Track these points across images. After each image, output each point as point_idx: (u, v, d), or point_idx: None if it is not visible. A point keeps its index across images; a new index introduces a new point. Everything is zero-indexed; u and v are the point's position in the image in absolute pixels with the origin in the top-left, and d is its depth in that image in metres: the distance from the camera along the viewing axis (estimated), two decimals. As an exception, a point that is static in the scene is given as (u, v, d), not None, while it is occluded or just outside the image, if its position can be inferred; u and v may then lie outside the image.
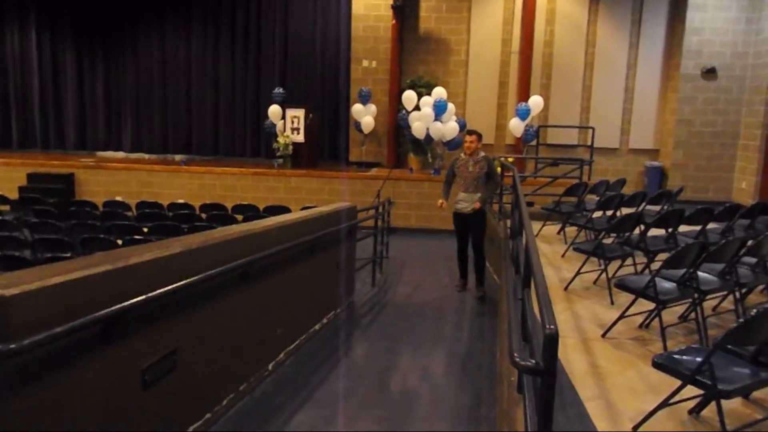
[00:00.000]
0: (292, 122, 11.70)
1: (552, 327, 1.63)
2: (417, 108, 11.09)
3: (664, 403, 2.91)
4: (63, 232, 6.83)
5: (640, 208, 6.94)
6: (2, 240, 6.29)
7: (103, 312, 2.37)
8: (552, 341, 1.61)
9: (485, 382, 4.43)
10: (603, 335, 4.33)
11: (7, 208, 9.03)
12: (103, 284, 2.47)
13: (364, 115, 11.85)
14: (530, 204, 8.70)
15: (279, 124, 11.81)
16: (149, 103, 13.89)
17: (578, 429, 3.03)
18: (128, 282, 2.61)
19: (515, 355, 1.82)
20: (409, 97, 11.20)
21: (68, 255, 5.58)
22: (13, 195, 10.26)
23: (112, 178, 11.64)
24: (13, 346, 1.96)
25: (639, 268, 5.68)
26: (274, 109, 11.80)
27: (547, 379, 1.64)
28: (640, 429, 2.96)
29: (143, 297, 2.59)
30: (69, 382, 2.33)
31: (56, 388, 2.27)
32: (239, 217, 7.91)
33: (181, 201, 9.79)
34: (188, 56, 13.69)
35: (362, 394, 4.27)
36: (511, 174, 6.96)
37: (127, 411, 2.71)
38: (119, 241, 6.07)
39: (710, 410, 3.05)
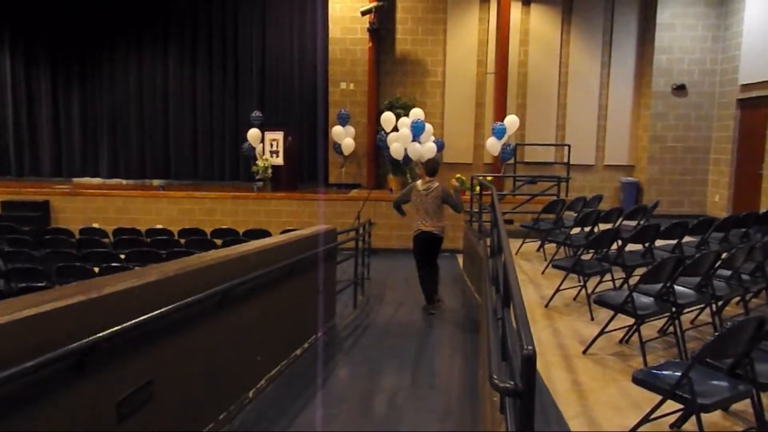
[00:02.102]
0: (271, 145, 11.70)
1: (530, 347, 1.63)
2: (395, 129, 11.16)
3: (646, 419, 2.92)
4: (38, 261, 6.70)
5: (617, 224, 7.03)
6: (-26, 271, 6.15)
7: (76, 344, 2.32)
8: (530, 362, 1.61)
9: (468, 403, 4.41)
10: (584, 352, 4.35)
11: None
12: (77, 315, 2.42)
13: (345, 137, 11.89)
14: (510, 221, 8.77)
15: (258, 148, 11.79)
16: (126, 128, 13.79)
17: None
18: (102, 312, 2.56)
19: (494, 377, 1.82)
20: (387, 118, 11.28)
21: (43, 284, 5.47)
22: (-14, 224, 10.05)
23: (88, 204, 11.48)
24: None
25: (618, 283, 5.74)
26: (253, 133, 11.79)
27: (526, 400, 1.64)
28: (623, 446, 2.96)
29: (118, 328, 2.55)
30: (42, 415, 2.27)
31: (29, 423, 2.20)
32: (219, 242, 7.85)
33: (159, 227, 9.68)
34: (165, 80, 13.66)
35: (344, 418, 4.22)
36: (489, 193, 7.01)
37: (102, 445, 2.64)
38: (96, 269, 5.97)
39: (691, 424, 3.07)
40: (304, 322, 5.50)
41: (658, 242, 5.89)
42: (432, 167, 7.02)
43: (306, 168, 13.32)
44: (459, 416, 4.22)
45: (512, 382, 1.73)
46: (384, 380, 5.04)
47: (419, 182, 7.03)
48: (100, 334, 2.45)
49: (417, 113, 11.10)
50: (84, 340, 2.36)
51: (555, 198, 8.84)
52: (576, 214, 7.84)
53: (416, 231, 6.92)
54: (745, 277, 4.74)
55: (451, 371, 5.17)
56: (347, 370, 5.26)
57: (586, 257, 5.83)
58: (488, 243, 6.29)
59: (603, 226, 6.75)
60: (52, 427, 2.34)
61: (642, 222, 7.23)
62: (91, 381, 2.52)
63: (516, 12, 12.13)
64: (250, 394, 4.24)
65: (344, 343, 6.00)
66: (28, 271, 5.96)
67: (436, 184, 6.93)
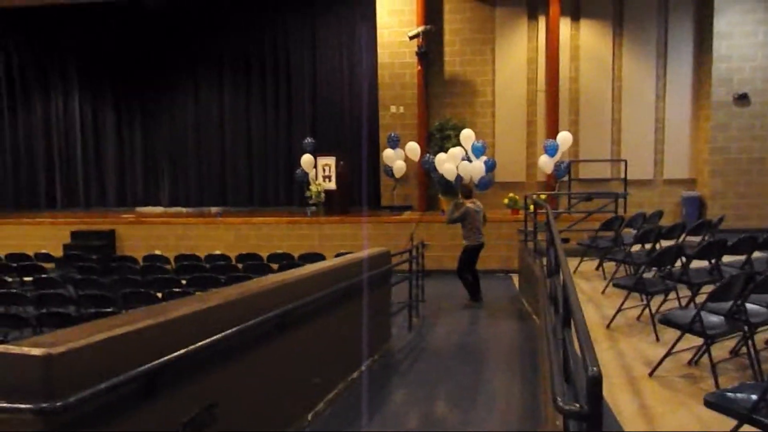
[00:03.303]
0: (324, 170, 11.91)
1: (595, 369, 1.59)
2: (440, 151, 11.23)
3: (720, 445, 2.77)
4: (105, 288, 7.00)
5: (680, 240, 6.77)
6: (48, 297, 6.49)
7: (145, 367, 2.41)
8: (595, 383, 1.57)
9: (529, 427, 4.30)
10: (650, 374, 4.18)
11: (52, 266, 9.33)
12: (145, 339, 2.51)
13: (396, 159, 11.98)
14: (566, 240, 8.58)
15: (311, 173, 12.02)
16: (185, 158, 14.37)
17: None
18: (169, 336, 2.65)
19: (558, 399, 1.77)
20: (412, 148, 11.50)
21: (110, 310, 5.71)
22: (58, 253, 10.61)
23: (150, 232, 11.95)
24: (59, 403, 2.00)
25: (683, 302, 5.51)
26: (306, 158, 12.04)
27: (592, 422, 1.60)
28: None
29: (183, 350, 2.63)
30: (114, 436, 2.36)
31: (100, 445, 2.29)
32: (275, 266, 8.00)
33: (217, 252, 9.97)
34: (221, 111, 14.19)
35: (403, 442, 4.18)
36: (544, 211, 6.91)
37: (169, 466, 2.71)
38: (159, 295, 6.19)
39: (771, 451, 2.89)
40: (360, 345, 5.52)
41: (726, 258, 5.64)
42: (470, 190, 8.69)
43: (358, 191, 13.47)
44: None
45: (577, 405, 1.68)
46: (441, 404, 4.98)
47: (470, 204, 8.31)
48: (167, 357, 2.54)
49: (467, 135, 11.09)
50: (152, 364, 2.45)
51: (613, 215, 8.60)
52: (635, 231, 7.60)
53: (476, 243, 8.34)
54: (823, 293, 4.46)
55: (509, 395, 5.05)
56: (403, 393, 5.22)
57: (648, 275, 5.63)
58: (545, 262, 6.17)
59: (665, 243, 6.51)
60: (123, 448, 2.42)
61: (707, 237, 6.94)
62: (157, 403, 2.60)
63: (565, 28, 12.02)
64: (309, 416, 4.26)
65: (400, 366, 5.97)
66: (97, 298, 6.24)
67: (479, 202, 8.51)
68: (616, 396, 3.85)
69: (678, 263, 5.47)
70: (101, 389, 2.17)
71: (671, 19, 11.88)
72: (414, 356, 6.25)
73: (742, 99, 11.23)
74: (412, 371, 5.80)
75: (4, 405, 2.03)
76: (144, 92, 14.50)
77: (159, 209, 14.24)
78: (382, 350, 6.04)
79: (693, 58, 11.85)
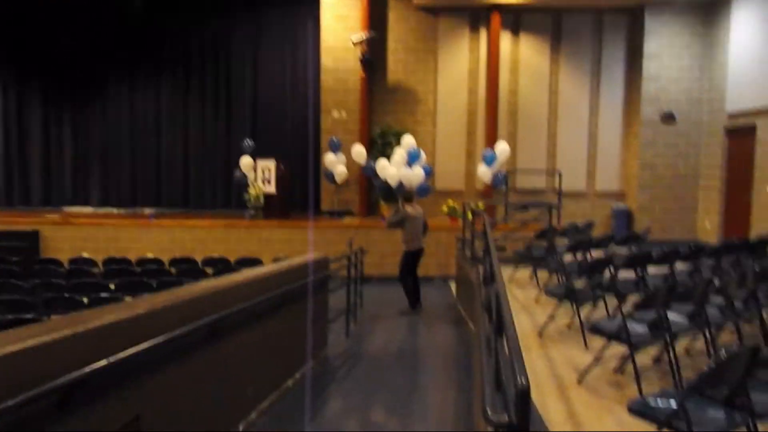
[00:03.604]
0: (263, 173, 11.71)
1: (523, 381, 1.60)
2: (382, 157, 11.27)
3: (642, 451, 2.87)
4: (26, 292, 6.60)
5: (609, 251, 7.04)
6: (-40, 302, 6.05)
7: (61, 380, 2.27)
8: (524, 396, 1.59)
9: (463, 435, 4.34)
10: (579, 381, 4.30)
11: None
12: (62, 350, 2.37)
13: (337, 164, 11.93)
14: (502, 248, 8.76)
15: (250, 175, 11.80)
16: (117, 156, 13.80)
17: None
18: (89, 346, 2.51)
19: (488, 410, 1.78)
20: (358, 151, 11.44)
21: (30, 316, 5.37)
22: (-26, 254, 9.95)
23: (78, 234, 11.40)
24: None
25: (611, 310, 5.72)
26: (245, 161, 11.81)
27: (520, 433, 1.61)
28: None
29: (104, 362, 2.50)
30: (23, 455, 2.21)
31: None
32: (210, 271, 7.78)
33: (150, 256, 9.61)
34: (157, 108, 13.73)
35: (337, 452, 4.13)
36: (481, 220, 7.04)
37: (86, 484, 2.56)
38: (85, 300, 5.89)
39: (688, 456, 3.02)
40: (296, 352, 5.43)
41: (651, 269, 5.89)
42: (411, 195, 8.80)
43: (298, 196, 13.33)
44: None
45: (506, 417, 1.69)
46: (377, 412, 4.96)
47: (410, 208, 8.42)
48: (86, 370, 2.40)
49: (409, 141, 11.17)
50: (68, 377, 2.31)
51: (547, 225, 8.86)
52: (568, 241, 7.85)
53: (416, 248, 8.44)
54: (737, 304, 4.73)
55: (445, 403, 5.09)
56: (340, 401, 5.18)
57: (578, 284, 5.81)
58: (480, 270, 6.27)
59: (595, 253, 6.76)
60: (35, 466, 2.27)
61: (634, 249, 7.25)
62: (76, 418, 2.46)
63: (506, 42, 12.33)
64: (241, 427, 4.15)
65: (337, 373, 5.92)
66: (16, 303, 5.86)
67: (420, 208, 8.63)
68: (547, 403, 3.94)
69: (607, 273, 5.68)
70: (10, 405, 2.02)
71: (605, 38, 12.39)
72: (351, 363, 6.21)
73: (669, 118, 11.83)
74: (348, 378, 5.76)
75: None
76: (75, 87, 13.82)
77: (88, 209, 13.61)
78: (318, 357, 5.97)
79: (624, 76, 12.39)
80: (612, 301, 5.75)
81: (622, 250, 7.29)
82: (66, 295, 6.10)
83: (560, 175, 11.27)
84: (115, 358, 2.58)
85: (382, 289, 9.86)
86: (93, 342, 2.55)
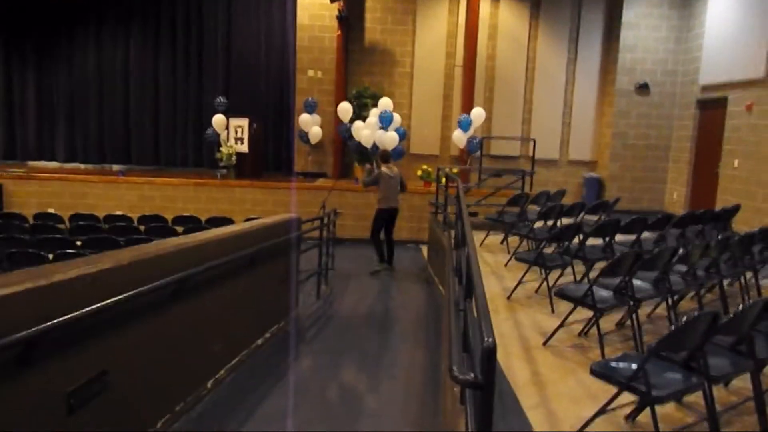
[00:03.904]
0: (236, 132, 11.50)
1: (490, 340, 1.62)
2: (357, 119, 11.12)
3: (602, 410, 2.96)
4: (-13, 247, 6.43)
5: (579, 218, 7.14)
6: None
7: (21, 334, 2.22)
8: (490, 354, 1.60)
9: (430, 394, 4.42)
10: (544, 343, 4.40)
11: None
12: (23, 304, 2.31)
13: (312, 125, 11.76)
14: (474, 214, 8.83)
15: (222, 134, 11.58)
16: (84, 110, 13.36)
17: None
18: (51, 301, 2.46)
19: (454, 369, 1.80)
20: (345, 108, 11.22)
21: (-8, 271, 5.26)
22: (-66, 207, 9.64)
23: (44, 189, 11.10)
24: None
25: (578, 276, 5.83)
26: (217, 119, 11.56)
27: (485, 392, 1.63)
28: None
29: (67, 317, 2.45)
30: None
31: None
32: (180, 230, 7.67)
33: (118, 213, 9.43)
34: (126, 62, 13.27)
35: (305, 410, 4.18)
36: (455, 185, 7.05)
37: (50, 438, 2.54)
38: (50, 256, 5.77)
39: (645, 415, 3.13)
40: (267, 311, 5.43)
41: (618, 237, 6.00)
42: (388, 156, 8.91)
43: (271, 156, 13.15)
44: (420, 408, 4.23)
45: (472, 375, 1.71)
46: (346, 372, 5.01)
47: (385, 168, 8.58)
48: (48, 324, 2.35)
49: (386, 103, 11.05)
50: (30, 330, 2.26)
51: (519, 192, 8.93)
52: (539, 208, 7.93)
53: (389, 207, 8.64)
54: (700, 273, 4.86)
55: (413, 363, 5.17)
56: (309, 361, 5.22)
57: (548, 250, 5.90)
58: (453, 235, 6.32)
59: (565, 221, 6.85)
60: (-4, 420, 2.24)
61: (603, 217, 7.36)
62: (38, 372, 2.42)
63: (485, 6, 12.16)
64: (209, 384, 4.16)
65: (306, 333, 5.95)
66: (-23, 257, 5.71)
67: (396, 169, 8.74)
68: (512, 364, 4.02)
69: (576, 240, 5.77)
70: (-32, 357, 1.98)
71: (584, 5, 12.31)
72: (321, 324, 6.24)
73: (643, 88, 11.90)
74: (318, 339, 5.80)
75: None
76: (39, 34, 13.22)
77: (54, 164, 13.23)
78: (288, 318, 5.98)
79: (602, 45, 12.38)
80: (579, 268, 5.87)
81: (591, 218, 7.41)
82: (30, 250, 5.97)
83: (534, 143, 11.31)
84: (77, 313, 2.53)
85: (355, 251, 9.88)
86: (56, 296, 2.50)
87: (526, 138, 12.29)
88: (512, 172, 10.53)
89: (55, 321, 2.39)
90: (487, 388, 1.62)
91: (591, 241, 5.81)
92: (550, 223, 7.30)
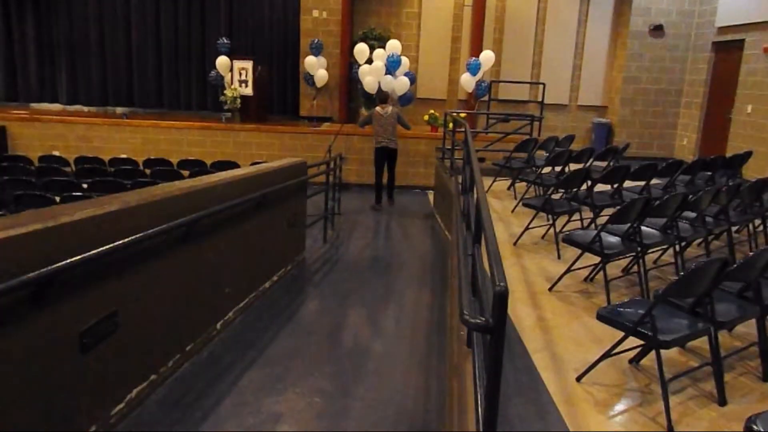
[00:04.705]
0: (240, 74, 11.30)
1: (502, 284, 1.61)
2: (369, 61, 10.85)
3: (607, 354, 3.00)
4: (-6, 189, 6.44)
5: (588, 164, 7.07)
6: (-74, 197, 5.89)
7: (32, 274, 2.23)
8: (501, 299, 1.60)
9: (435, 337, 4.49)
10: (550, 289, 4.43)
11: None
12: (33, 245, 2.31)
13: (318, 68, 11.52)
14: (482, 160, 8.74)
15: (227, 77, 11.37)
16: (86, 51, 13.09)
17: (526, 381, 3.11)
18: (61, 242, 2.46)
19: (465, 312, 1.80)
20: (361, 50, 10.93)
21: (1, 213, 5.28)
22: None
23: (47, 131, 11.02)
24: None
25: (586, 222, 5.82)
26: (221, 61, 11.33)
27: (496, 336, 1.64)
28: (584, 379, 3.05)
29: (77, 258, 2.46)
30: (4, 342, 2.21)
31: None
32: (185, 173, 7.65)
33: (123, 156, 9.39)
34: (128, 2, 12.91)
35: (313, 351, 4.26)
36: (462, 130, 6.95)
37: (66, 375, 2.60)
38: (57, 198, 5.78)
39: (649, 359, 3.17)
40: (274, 255, 5.47)
41: (627, 183, 5.95)
42: (384, 96, 9.17)
43: (276, 99, 12.95)
44: (426, 349, 4.30)
45: (483, 318, 1.71)
46: (352, 314, 5.08)
47: (379, 108, 8.85)
48: (58, 265, 2.36)
49: (394, 45, 10.78)
50: (41, 271, 2.27)
51: (527, 137, 8.81)
52: (548, 154, 7.85)
53: (381, 145, 8.90)
54: (708, 219, 4.84)
55: (419, 306, 5.24)
56: (316, 303, 5.28)
57: (556, 197, 5.87)
58: (460, 180, 6.27)
59: (574, 167, 6.78)
60: (12, 360, 2.28)
61: (612, 163, 7.28)
62: (49, 312, 2.45)
63: (497, -59, 11.67)
64: (218, 325, 4.23)
65: (314, 276, 6.01)
66: (-16, 199, 5.73)
67: (391, 108, 8.92)
68: (518, 308, 4.06)
69: (584, 186, 5.72)
70: (-19, 297, 1.99)
71: (600, -58, 11.81)
72: (328, 268, 6.29)
73: (658, 30, 11.54)
74: (325, 282, 5.86)
75: None
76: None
77: (57, 107, 13.09)
78: (295, 261, 6.03)
79: (616, -16, 11.94)
80: (588, 214, 5.85)
81: (600, 165, 7.33)
82: (37, 192, 5.97)
83: (544, 87, 11.08)
84: (87, 254, 2.53)
85: (361, 195, 9.87)
86: (65, 238, 2.50)
87: (536, 82, 12.03)
88: (520, 117, 10.35)
89: (65, 262, 2.39)
90: (497, 332, 1.63)
91: (599, 188, 5.77)
92: (558, 169, 7.23)
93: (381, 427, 3.25)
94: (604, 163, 7.44)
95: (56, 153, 9.74)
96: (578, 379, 3.07)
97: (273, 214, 5.24)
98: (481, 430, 1.73)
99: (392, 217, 8.73)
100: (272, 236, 5.35)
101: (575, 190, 5.73)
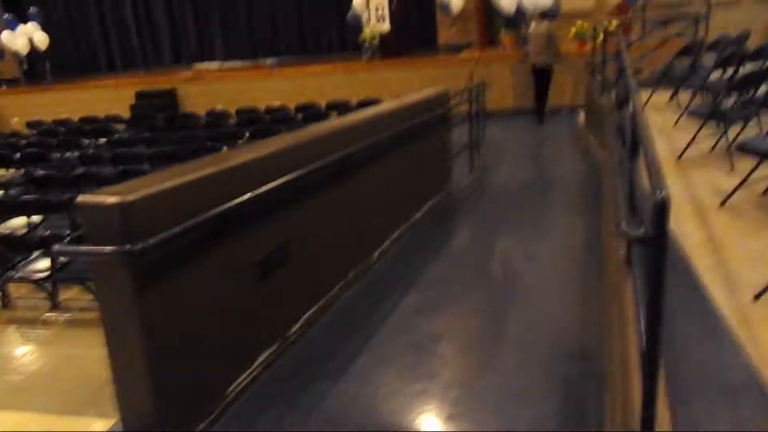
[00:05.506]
0: (377, 10, 11.32)
1: (662, 191, 1.52)
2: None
3: (791, 270, 2.72)
4: (174, 144, 7.25)
5: (767, 63, 6.18)
6: (123, 156, 6.81)
7: (215, 210, 2.53)
8: (662, 206, 1.51)
9: (591, 259, 4.36)
10: (722, 204, 4.05)
11: (122, 126, 9.68)
12: (212, 185, 2.61)
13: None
14: (638, 71, 8.02)
15: (363, 15, 11.47)
16: (234, 9, 13.93)
17: (692, 301, 2.93)
18: (235, 181, 2.75)
19: (623, 225, 1.74)
20: None
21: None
22: (126, 113, 10.95)
23: (209, 89, 12.03)
24: (139, 245, 2.15)
25: (765, 130, 5.17)
26: (357, 1, 11.43)
27: (656, 247, 1.56)
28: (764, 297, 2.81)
29: (249, 194, 2.73)
30: (196, 272, 2.56)
31: (186, 277, 2.50)
32: (334, 114, 7.99)
33: (276, 104, 10.00)
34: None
35: (466, 276, 4.35)
36: (615, 41, 6.41)
37: (248, 299, 2.95)
38: (225, 148, 6.37)
39: None
40: (423, 186, 5.59)
41: (818, 80, 5.14)
42: (543, 15, 9.58)
43: (415, 31, 12.85)
44: (582, 272, 4.20)
45: (642, 230, 1.64)
46: (503, 240, 5.08)
47: (534, 23, 9.23)
48: (235, 201, 2.65)
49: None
50: (221, 207, 2.57)
51: (691, 39, 7.88)
52: (716, 57, 6.99)
53: (532, 63, 9.31)
54: None
55: (573, 230, 5.08)
56: (467, 231, 5.35)
57: (728, 103, 5.25)
58: (613, 95, 5.85)
59: (750, 68, 5.98)
60: (204, 283, 2.63)
61: (799, 58, 6.30)
62: (230, 244, 2.77)
63: None
64: (376, 254, 4.47)
65: (463, 205, 6.06)
66: (168, 155, 6.48)
67: (543, 27, 9.10)
68: (683, 226, 3.78)
69: (763, 88, 5.05)
70: (176, 232, 2.31)
71: None
72: (476, 196, 6.30)
73: None
74: (475, 210, 5.89)
75: (92, 248, 2.21)
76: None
77: (215, 64, 14.18)
78: (444, 192, 6.11)
79: None
80: (766, 120, 5.18)
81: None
82: (208, 143, 6.62)
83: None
84: (257, 191, 2.80)
85: (505, 122, 9.61)
86: (237, 177, 2.78)
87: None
88: (682, 18, 9.26)
89: (240, 198, 2.68)
90: (659, 241, 1.55)
91: (782, 88, 5.05)
92: (730, 72, 6.42)
93: (539, 346, 3.28)
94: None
95: (219, 107, 10.63)
96: (756, 297, 2.83)
97: (419, 146, 5.32)
98: (643, 347, 1.68)
99: (541, 140, 8.43)
100: (420, 167, 5.45)
101: (751, 93, 5.08)
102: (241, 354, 2.94)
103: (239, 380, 2.89)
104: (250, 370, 2.97)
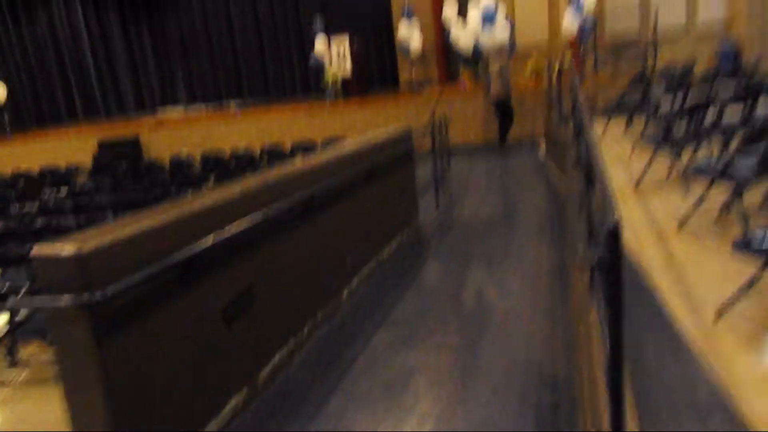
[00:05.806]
0: (338, 52, 11.53)
1: (613, 216, 1.56)
2: (463, 15, 10.60)
3: (748, 286, 2.80)
4: (138, 193, 7.15)
5: (713, 87, 6.46)
6: (84, 205, 6.68)
7: (178, 255, 2.49)
8: (614, 231, 1.55)
9: (558, 286, 4.41)
10: (679, 227, 4.17)
11: (84, 176, 9.52)
12: (174, 230, 2.58)
13: (412, 32, 11.43)
14: (592, 102, 8.30)
15: (326, 57, 11.67)
16: (197, 51, 14.04)
17: (657, 322, 2.98)
18: (197, 226, 2.72)
19: (582, 251, 1.77)
20: (447, 16, 10.74)
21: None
22: (88, 163, 10.80)
23: (174, 134, 11.99)
24: (98, 294, 2.10)
25: (715, 153, 5.36)
26: (320, 43, 11.64)
27: (613, 269, 1.60)
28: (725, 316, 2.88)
29: (212, 239, 2.70)
30: (159, 320, 2.50)
31: (149, 326, 2.44)
32: (299, 155, 8.01)
33: (242, 146, 9.99)
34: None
35: (437, 310, 4.35)
36: (568, 75, 6.65)
37: (215, 345, 2.88)
38: (190, 194, 6.30)
39: (800, 288, 2.91)
40: (390, 222, 5.61)
41: (762, 105, 5.39)
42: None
43: (376, 72, 13.11)
44: (549, 300, 4.24)
45: (598, 256, 1.68)
46: (472, 273, 5.10)
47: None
48: (198, 245, 2.62)
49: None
50: (183, 252, 2.53)
51: (641, 69, 8.22)
52: (666, 83, 7.29)
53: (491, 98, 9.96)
54: None
55: (540, 259, 5.14)
56: (436, 265, 5.37)
57: (678, 127, 5.46)
58: (571, 127, 6.02)
59: (698, 94, 6.24)
60: (169, 331, 2.57)
61: (742, 83, 6.60)
62: (194, 290, 2.72)
63: None
64: (345, 293, 4.44)
65: (431, 240, 6.09)
66: (131, 203, 6.38)
67: (498, 65, 9.69)
68: (646, 250, 3.87)
69: (711, 113, 5.27)
70: (137, 280, 2.26)
71: None
72: (443, 231, 6.35)
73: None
74: (442, 244, 5.92)
75: (48, 298, 2.15)
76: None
77: (179, 109, 14.17)
78: (411, 227, 6.14)
79: None
80: (715, 143, 5.38)
81: (728, 86, 6.68)
82: (173, 189, 6.55)
83: (656, 12, 10.20)
84: (223, 233, 2.78)
85: (469, 157, 9.78)
86: (200, 222, 2.75)
87: (646, 8, 11.07)
88: (632, 49, 9.65)
89: (204, 242, 2.65)
90: (613, 266, 1.58)
91: (728, 112, 5.27)
92: (680, 98, 6.68)
93: (511, 376, 3.27)
94: (732, 84, 6.76)
95: (184, 153, 10.58)
96: (717, 316, 2.89)
97: (384, 183, 5.36)
98: (608, 369, 1.70)
99: (505, 171, 8.59)
100: (386, 204, 5.49)
101: (702, 115, 5.28)
102: (211, 401, 2.86)
103: (209, 429, 2.80)
104: (221, 416, 2.89)
